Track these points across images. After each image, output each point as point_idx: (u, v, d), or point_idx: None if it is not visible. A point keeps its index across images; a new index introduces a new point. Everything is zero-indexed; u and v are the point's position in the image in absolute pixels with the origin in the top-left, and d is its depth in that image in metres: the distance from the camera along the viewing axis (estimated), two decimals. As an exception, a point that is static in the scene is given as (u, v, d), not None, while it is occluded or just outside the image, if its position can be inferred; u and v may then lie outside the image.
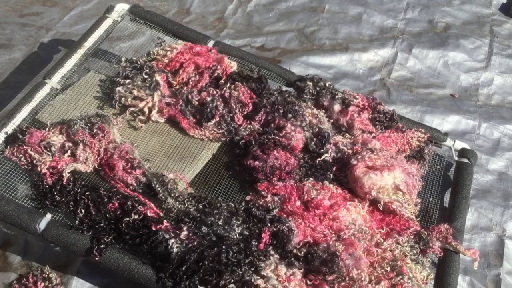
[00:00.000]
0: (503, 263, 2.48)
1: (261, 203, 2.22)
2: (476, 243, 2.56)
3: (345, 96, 2.73)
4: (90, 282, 2.19)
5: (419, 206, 2.40)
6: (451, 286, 2.15)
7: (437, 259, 2.27)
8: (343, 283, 1.97)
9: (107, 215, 2.04)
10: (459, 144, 2.76)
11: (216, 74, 2.63)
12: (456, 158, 2.71)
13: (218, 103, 2.49)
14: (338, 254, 2.04)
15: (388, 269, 2.09)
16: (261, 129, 2.51)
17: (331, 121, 2.68)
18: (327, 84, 2.76)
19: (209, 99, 2.49)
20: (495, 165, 2.94)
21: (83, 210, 2.04)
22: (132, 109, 2.46)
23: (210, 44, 2.86)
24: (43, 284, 2.11)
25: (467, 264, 2.42)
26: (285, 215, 2.20)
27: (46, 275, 2.14)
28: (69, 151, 2.20)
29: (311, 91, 2.73)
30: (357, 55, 3.48)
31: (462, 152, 2.71)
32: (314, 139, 2.51)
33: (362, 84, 3.33)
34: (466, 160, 2.67)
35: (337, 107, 2.68)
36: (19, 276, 2.18)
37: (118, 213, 2.04)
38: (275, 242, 2.08)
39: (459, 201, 2.46)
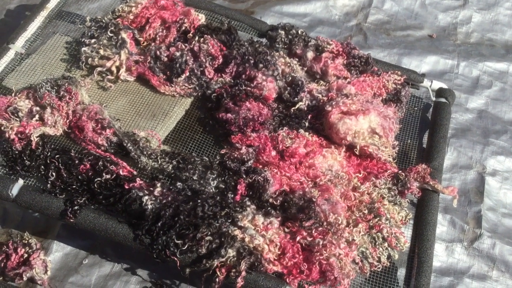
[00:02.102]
0: (484, 199, 2.50)
1: (235, 155, 2.20)
2: (457, 181, 2.57)
3: (318, 42, 2.68)
4: (71, 245, 2.19)
5: (397, 148, 2.40)
6: (429, 224, 2.16)
7: (416, 199, 2.27)
8: (320, 228, 1.98)
9: (79, 177, 2.03)
10: (437, 84, 2.73)
11: (183, 28, 2.57)
12: (434, 99, 2.68)
13: (188, 57, 2.44)
14: (314, 200, 2.03)
15: (366, 211, 2.10)
16: (232, 81, 2.46)
17: (305, 69, 2.62)
18: (299, 32, 2.70)
19: (178, 54, 2.44)
20: (475, 103, 2.92)
21: (54, 173, 2.02)
22: (99, 69, 2.40)
23: (178, -3, 2.78)
24: (23, 250, 2.10)
25: (447, 203, 2.43)
26: (261, 166, 2.19)
27: (26, 241, 2.13)
28: (37, 116, 2.16)
29: (283, 40, 2.67)
30: (332, 1, 3.39)
31: (440, 92, 2.68)
32: (288, 88, 2.48)
33: (338, 31, 3.26)
34: (443, 100, 2.64)
35: (310, 54, 2.63)
36: (-1, 244, 2.18)
37: (90, 174, 2.03)
38: (251, 193, 2.08)
39: (437, 141, 2.45)
